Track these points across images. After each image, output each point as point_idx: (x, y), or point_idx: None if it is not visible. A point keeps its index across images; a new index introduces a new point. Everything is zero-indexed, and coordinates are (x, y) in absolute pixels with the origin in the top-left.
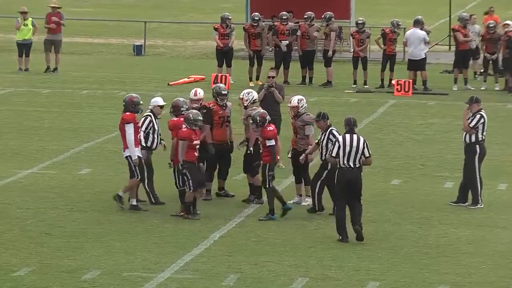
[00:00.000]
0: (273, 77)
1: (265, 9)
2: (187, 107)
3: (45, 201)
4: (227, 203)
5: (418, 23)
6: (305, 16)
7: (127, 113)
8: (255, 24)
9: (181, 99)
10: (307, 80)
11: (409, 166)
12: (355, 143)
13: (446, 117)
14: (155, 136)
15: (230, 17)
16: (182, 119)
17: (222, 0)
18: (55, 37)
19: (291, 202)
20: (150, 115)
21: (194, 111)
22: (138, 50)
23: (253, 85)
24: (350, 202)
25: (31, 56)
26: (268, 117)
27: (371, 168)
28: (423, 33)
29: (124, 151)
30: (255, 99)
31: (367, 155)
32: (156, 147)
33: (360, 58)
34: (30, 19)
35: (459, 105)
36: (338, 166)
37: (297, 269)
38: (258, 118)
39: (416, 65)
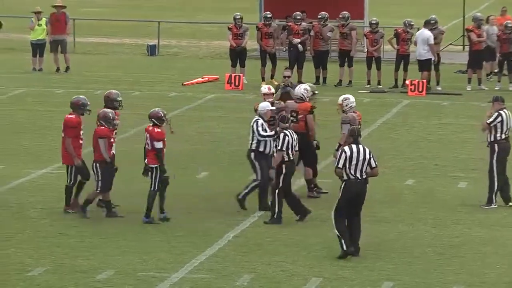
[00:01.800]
0: (288, 77)
1: (278, 9)
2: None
3: (59, 201)
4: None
5: (427, 24)
6: (319, 16)
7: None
8: (267, 23)
9: (81, 96)
10: (321, 80)
11: (423, 166)
12: (361, 154)
13: (460, 117)
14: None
15: (241, 17)
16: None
17: (237, 0)
18: (59, 37)
19: None
20: (258, 120)
21: (110, 110)
22: (152, 50)
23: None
24: (349, 216)
25: (45, 56)
26: (160, 116)
27: (385, 168)
28: (428, 34)
29: None
30: (353, 106)
31: (373, 165)
32: (270, 151)
33: (374, 58)
34: (44, 19)
35: (473, 105)
36: (343, 178)
37: (311, 269)
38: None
39: (421, 65)
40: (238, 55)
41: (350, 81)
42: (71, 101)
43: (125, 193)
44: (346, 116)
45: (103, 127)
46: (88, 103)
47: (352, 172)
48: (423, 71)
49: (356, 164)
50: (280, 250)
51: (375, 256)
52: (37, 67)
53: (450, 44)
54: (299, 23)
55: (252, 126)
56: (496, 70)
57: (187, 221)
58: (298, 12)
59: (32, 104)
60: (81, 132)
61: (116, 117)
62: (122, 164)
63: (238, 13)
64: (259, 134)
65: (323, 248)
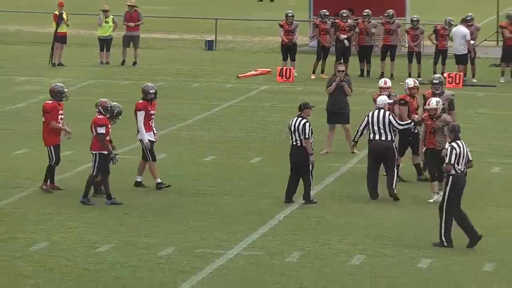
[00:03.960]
0: (343, 71)
1: (326, 8)
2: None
3: (124, 184)
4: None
5: (464, 21)
6: (364, 14)
7: (140, 101)
8: (324, 20)
9: (59, 84)
10: (365, 73)
11: None
12: (465, 149)
13: (494, 107)
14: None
15: (293, 15)
16: (52, 103)
17: None
18: (133, 33)
19: (431, 201)
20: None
21: (105, 99)
22: (210, 45)
23: (314, 77)
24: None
25: (111, 50)
26: (106, 107)
27: None
28: (466, 30)
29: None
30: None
31: (470, 158)
32: None
33: (414, 53)
34: (111, 16)
35: (506, 96)
36: (451, 173)
37: (355, 246)
38: (100, 107)
39: (459, 59)
40: (289, 50)
41: (392, 74)
42: (50, 88)
43: (188, 176)
44: (449, 117)
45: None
46: (65, 91)
47: (460, 167)
48: (460, 65)
49: (463, 159)
50: (327, 229)
51: (414, 236)
52: (104, 61)
53: (485, 40)
54: (346, 20)
55: (387, 119)
56: None
57: (242, 202)
58: (344, 10)
59: (99, 95)
60: (60, 117)
61: (152, 108)
62: (186, 149)
63: (290, 11)
64: (398, 125)
65: (367, 228)
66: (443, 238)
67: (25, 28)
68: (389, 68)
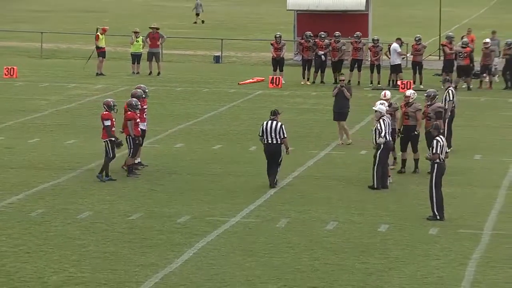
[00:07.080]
0: (343, 80)
1: (308, 30)
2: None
3: (151, 166)
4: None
5: (398, 39)
6: (335, 35)
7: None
8: (308, 40)
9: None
10: (337, 80)
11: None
12: (445, 143)
13: None
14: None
15: (281, 36)
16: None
17: (277, 22)
18: (155, 50)
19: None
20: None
21: (134, 99)
22: (217, 59)
23: (303, 83)
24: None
25: (141, 63)
26: (110, 105)
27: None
28: (397, 45)
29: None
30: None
31: (447, 150)
32: None
33: (375, 65)
34: (141, 36)
35: None
36: (436, 161)
37: (330, 215)
38: (104, 104)
39: (394, 68)
40: (277, 63)
41: (359, 82)
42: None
43: (200, 161)
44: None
45: (130, 112)
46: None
47: (442, 156)
48: (396, 73)
49: (443, 150)
50: (307, 202)
51: (376, 206)
52: (135, 71)
53: (430, 55)
54: (323, 40)
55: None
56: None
57: (242, 181)
58: (322, 32)
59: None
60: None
61: (143, 104)
62: (199, 140)
63: (279, 33)
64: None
65: (339, 201)
66: (436, 212)
67: (73, 46)
68: (356, 77)
